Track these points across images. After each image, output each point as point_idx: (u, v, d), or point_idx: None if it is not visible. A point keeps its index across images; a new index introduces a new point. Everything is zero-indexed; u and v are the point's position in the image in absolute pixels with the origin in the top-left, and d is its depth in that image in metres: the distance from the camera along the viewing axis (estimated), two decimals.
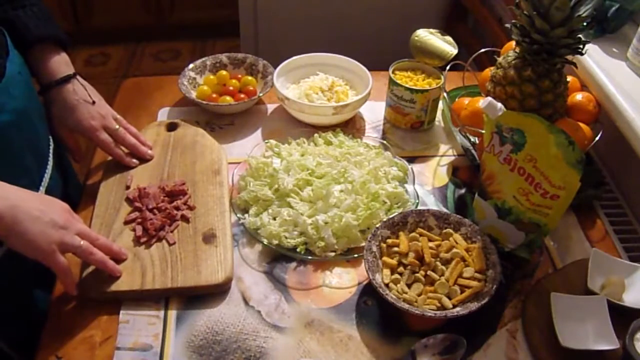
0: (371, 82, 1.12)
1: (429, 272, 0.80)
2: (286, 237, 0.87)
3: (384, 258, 0.83)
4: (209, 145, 1.02)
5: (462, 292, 0.79)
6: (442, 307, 0.77)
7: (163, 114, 1.14)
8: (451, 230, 0.86)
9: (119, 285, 0.79)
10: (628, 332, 0.73)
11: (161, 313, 0.79)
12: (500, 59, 0.97)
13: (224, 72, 1.19)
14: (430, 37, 1.10)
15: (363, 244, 0.87)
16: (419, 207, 0.94)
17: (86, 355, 0.74)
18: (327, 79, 1.16)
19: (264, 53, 1.81)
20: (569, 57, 0.90)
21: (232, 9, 2.22)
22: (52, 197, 0.77)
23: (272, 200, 0.92)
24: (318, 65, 1.19)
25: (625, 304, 0.79)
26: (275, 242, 0.87)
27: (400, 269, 0.82)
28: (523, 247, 0.85)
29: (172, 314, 0.79)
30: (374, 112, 1.17)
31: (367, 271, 0.79)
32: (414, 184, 0.98)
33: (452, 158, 1.08)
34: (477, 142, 1.02)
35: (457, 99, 1.08)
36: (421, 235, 0.85)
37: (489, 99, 0.80)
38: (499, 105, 0.79)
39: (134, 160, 0.98)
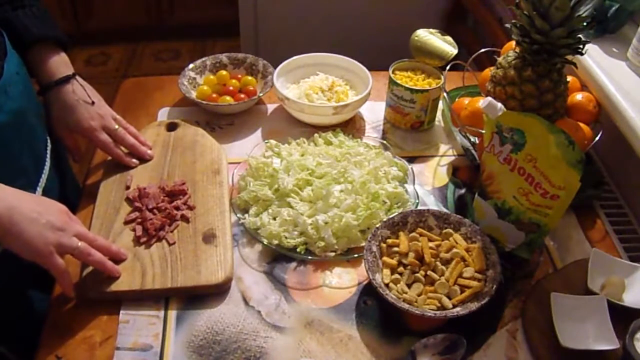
0: (371, 82, 1.12)
1: (429, 272, 0.80)
2: (286, 237, 0.87)
3: (384, 258, 0.83)
4: (209, 145, 1.02)
5: (462, 292, 0.79)
6: (442, 307, 0.77)
7: (163, 114, 1.14)
8: (451, 230, 0.86)
9: (118, 285, 0.79)
10: (628, 332, 0.73)
11: (161, 313, 0.79)
12: (500, 59, 0.97)
13: (224, 72, 1.19)
14: (430, 37, 1.10)
15: (363, 244, 0.87)
16: (419, 207, 0.94)
17: (86, 355, 0.74)
18: (327, 79, 1.16)
19: (264, 53, 1.82)
20: (569, 57, 0.90)
21: (232, 9, 2.22)
22: (49, 198, 0.77)
23: (272, 200, 0.92)
24: (318, 65, 1.19)
25: (625, 304, 0.79)
26: (275, 242, 0.87)
27: (400, 269, 0.82)
28: (523, 247, 0.85)
29: (172, 314, 0.79)
30: (374, 112, 1.17)
31: (367, 271, 0.79)
32: (414, 184, 0.98)
33: (452, 158, 1.08)
34: (477, 142, 1.02)
35: (457, 99, 1.08)
36: (421, 235, 0.85)
37: (489, 99, 0.80)
38: (499, 105, 0.79)
39: (134, 160, 0.98)
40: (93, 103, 0.93)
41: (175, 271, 0.81)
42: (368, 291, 0.83)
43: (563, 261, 0.89)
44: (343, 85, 1.16)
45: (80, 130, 0.93)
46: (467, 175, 1.04)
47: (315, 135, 1.05)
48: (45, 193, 0.88)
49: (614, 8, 1.09)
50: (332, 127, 1.09)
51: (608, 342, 0.73)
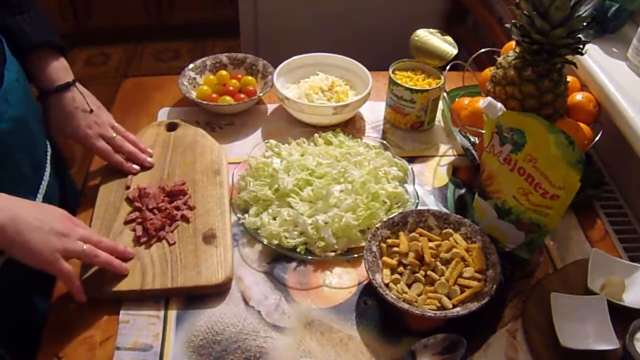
0: (371, 82, 1.12)
1: (429, 272, 0.80)
2: (286, 237, 0.87)
3: (384, 258, 0.83)
4: (209, 145, 1.03)
5: (462, 292, 0.79)
6: (442, 307, 0.77)
7: (163, 114, 1.14)
8: (451, 230, 0.86)
9: (118, 285, 0.79)
10: (628, 332, 0.73)
11: (161, 313, 0.79)
12: (500, 59, 0.97)
13: (224, 72, 1.19)
14: (430, 37, 1.10)
15: (363, 244, 0.87)
16: (419, 207, 0.94)
17: (86, 355, 0.74)
18: (327, 79, 1.16)
19: (264, 53, 1.81)
20: (569, 57, 0.90)
21: (232, 9, 2.22)
22: (50, 204, 0.77)
23: (272, 200, 0.92)
24: (318, 65, 1.19)
25: (625, 304, 0.79)
26: (275, 242, 0.87)
27: (400, 269, 0.82)
28: (523, 247, 0.85)
29: (172, 314, 0.79)
30: (374, 112, 1.17)
31: (367, 271, 0.79)
32: (414, 184, 0.98)
33: (452, 158, 1.08)
34: (477, 142, 1.02)
35: (457, 99, 1.08)
36: (421, 235, 0.85)
37: (489, 99, 0.80)
38: (499, 105, 0.79)
39: (134, 167, 0.97)
40: (91, 111, 0.93)
41: (176, 271, 0.81)
42: (368, 291, 0.83)
43: (563, 261, 0.89)
44: (343, 85, 1.16)
45: (77, 138, 0.93)
46: (467, 175, 1.04)
47: (315, 135, 1.05)
48: (45, 198, 0.87)
49: (614, 8, 1.09)
50: (332, 127, 1.09)
51: (608, 342, 0.73)
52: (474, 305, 0.76)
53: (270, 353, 0.75)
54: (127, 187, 0.94)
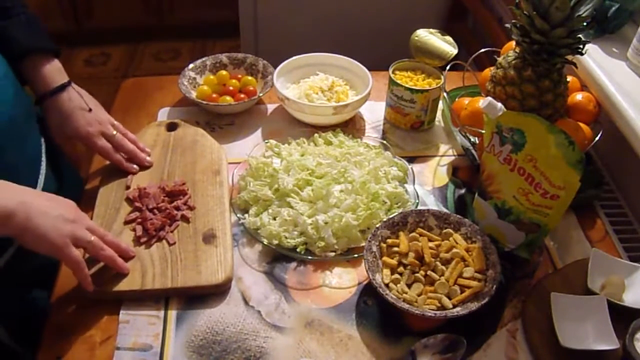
0: (371, 82, 1.12)
1: (429, 272, 0.80)
2: (286, 237, 0.87)
3: (384, 258, 0.83)
4: (209, 145, 1.03)
5: (462, 292, 0.79)
6: (442, 307, 0.77)
7: (163, 114, 1.14)
8: (451, 230, 0.86)
9: (119, 285, 0.79)
10: (628, 332, 0.73)
11: (161, 313, 0.79)
12: (500, 59, 0.97)
13: (224, 72, 1.19)
14: (430, 37, 1.10)
15: (363, 244, 0.87)
16: (419, 207, 0.94)
17: (86, 355, 0.74)
18: (327, 79, 1.16)
19: (264, 53, 1.81)
20: (569, 57, 0.90)
21: (232, 9, 2.22)
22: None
23: (272, 200, 0.92)
24: (318, 65, 1.19)
25: (625, 304, 0.79)
26: (275, 242, 0.87)
27: (400, 269, 0.82)
28: (523, 247, 0.85)
29: (172, 314, 0.79)
30: (374, 112, 1.17)
31: (367, 271, 0.79)
32: (414, 184, 0.98)
33: (452, 158, 1.08)
34: (477, 142, 1.02)
35: (457, 99, 1.08)
36: (421, 235, 0.85)
37: (489, 99, 0.80)
38: (499, 105, 0.79)
39: (134, 166, 0.97)
40: (90, 110, 0.93)
41: (176, 271, 0.81)
42: (368, 291, 0.83)
43: (563, 261, 0.89)
44: (343, 85, 1.16)
45: (78, 137, 0.93)
46: (467, 175, 1.04)
47: (315, 135, 1.05)
48: None
49: (614, 8, 1.09)
50: (332, 127, 1.09)
51: (608, 342, 0.73)
52: (474, 305, 0.76)
53: (270, 353, 0.75)
54: (127, 187, 0.94)
